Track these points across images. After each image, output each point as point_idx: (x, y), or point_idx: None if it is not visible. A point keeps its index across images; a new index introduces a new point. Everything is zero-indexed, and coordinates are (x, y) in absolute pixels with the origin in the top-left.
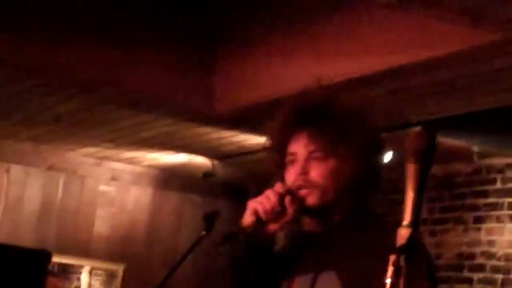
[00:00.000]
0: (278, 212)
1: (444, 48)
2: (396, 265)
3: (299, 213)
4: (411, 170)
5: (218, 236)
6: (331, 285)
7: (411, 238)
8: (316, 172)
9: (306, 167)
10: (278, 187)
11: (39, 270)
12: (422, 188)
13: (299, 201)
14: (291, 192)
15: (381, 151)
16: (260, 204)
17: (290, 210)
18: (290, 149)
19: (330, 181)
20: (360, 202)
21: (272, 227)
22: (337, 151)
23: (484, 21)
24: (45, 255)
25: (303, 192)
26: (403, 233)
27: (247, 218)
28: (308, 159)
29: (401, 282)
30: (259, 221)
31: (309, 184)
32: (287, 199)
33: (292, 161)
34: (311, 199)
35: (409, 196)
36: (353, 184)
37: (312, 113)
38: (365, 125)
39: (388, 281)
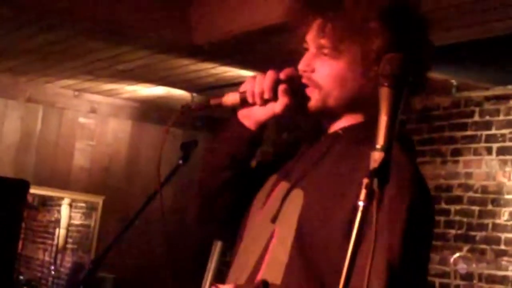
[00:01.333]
0: (267, 100)
1: None
2: (369, 188)
3: (294, 110)
4: (384, 93)
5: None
6: (294, 206)
7: (384, 162)
8: (321, 72)
9: (312, 64)
10: (273, 72)
11: (17, 200)
12: (396, 112)
13: (298, 95)
14: (290, 81)
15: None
16: (249, 84)
17: (282, 100)
18: (306, 36)
19: (336, 84)
20: (368, 117)
21: (258, 112)
22: (349, 51)
23: None
24: (23, 185)
25: (307, 90)
26: (376, 157)
27: (230, 96)
28: (317, 54)
29: (374, 205)
30: (243, 102)
31: (311, 83)
32: (282, 88)
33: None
34: (311, 101)
35: (382, 120)
36: (362, 95)
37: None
38: (389, 24)
39: (361, 204)
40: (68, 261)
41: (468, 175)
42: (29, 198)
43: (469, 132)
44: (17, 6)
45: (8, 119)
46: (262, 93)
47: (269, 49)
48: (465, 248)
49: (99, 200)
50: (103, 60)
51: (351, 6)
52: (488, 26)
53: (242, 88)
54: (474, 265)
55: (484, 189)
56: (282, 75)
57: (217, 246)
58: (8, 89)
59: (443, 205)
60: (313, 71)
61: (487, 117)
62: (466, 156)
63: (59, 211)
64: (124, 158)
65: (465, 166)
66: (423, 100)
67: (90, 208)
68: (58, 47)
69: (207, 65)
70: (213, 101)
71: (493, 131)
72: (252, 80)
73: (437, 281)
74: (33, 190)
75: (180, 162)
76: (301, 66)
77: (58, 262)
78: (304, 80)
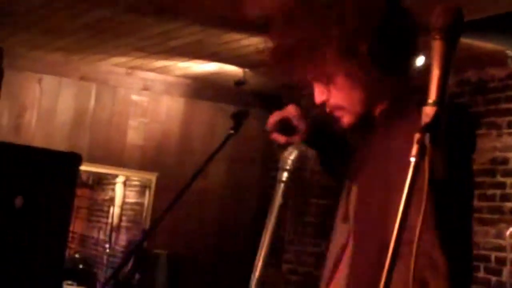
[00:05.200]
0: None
1: None
2: (421, 143)
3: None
4: (436, 47)
5: None
6: (353, 203)
7: (437, 116)
8: (337, 97)
9: (324, 95)
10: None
11: (70, 172)
12: (448, 66)
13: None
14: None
15: (389, 35)
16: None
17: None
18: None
19: (353, 98)
20: (392, 95)
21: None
22: (347, 71)
23: None
24: (76, 158)
25: (337, 114)
26: (428, 111)
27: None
28: (323, 85)
29: (426, 161)
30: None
31: (335, 109)
32: (273, 134)
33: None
34: (344, 121)
35: (435, 74)
36: (376, 90)
37: (295, 48)
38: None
39: (413, 159)
40: (122, 239)
41: None
42: (84, 177)
43: None
44: None
45: (62, 97)
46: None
47: None
48: None
49: (152, 178)
50: (155, 36)
51: (338, 35)
52: None
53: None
54: None
55: None
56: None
57: (271, 222)
58: (61, 67)
59: (499, 178)
60: (329, 99)
61: None
62: None
63: (113, 190)
64: (177, 136)
65: None
66: (478, 72)
67: (144, 186)
68: (109, 24)
69: (259, 40)
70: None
71: None
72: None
73: (493, 254)
74: (87, 168)
75: (231, 131)
76: (318, 100)
77: (113, 240)
78: (328, 110)
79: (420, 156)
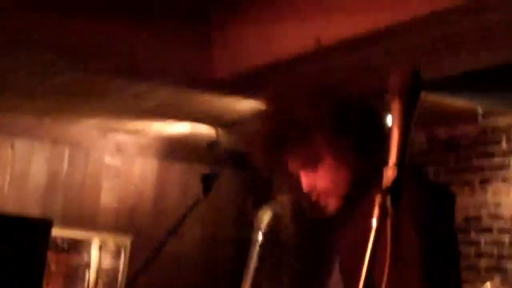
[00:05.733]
0: None
1: (441, 2)
2: (382, 206)
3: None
4: (395, 108)
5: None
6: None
7: (397, 179)
8: (321, 184)
9: (311, 184)
10: None
11: (41, 238)
12: (408, 127)
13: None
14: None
15: (368, 121)
16: None
17: None
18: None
19: (336, 181)
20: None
21: None
22: (329, 152)
23: None
24: (46, 224)
25: (321, 202)
26: (389, 174)
27: None
28: (307, 174)
29: (388, 224)
30: None
31: (321, 195)
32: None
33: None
34: (331, 205)
35: (394, 136)
36: (357, 171)
37: (280, 138)
38: (336, 126)
39: (374, 222)
40: None
41: (497, 205)
42: (59, 241)
43: (496, 160)
44: (39, 46)
45: (35, 160)
46: None
47: (292, 81)
48: (497, 279)
49: (127, 241)
50: (127, 98)
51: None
52: None
53: None
54: None
55: None
56: None
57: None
58: (34, 130)
59: (473, 236)
60: (315, 187)
61: None
62: (494, 185)
63: (88, 254)
64: (151, 197)
65: (494, 195)
66: (450, 130)
67: (119, 250)
68: (81, 87)
69: (231, 99)
70: None
71: None
72: None
73: None
74: (61, 232)
75: (201, 195)
76: (305, 189)
77: None
78: (314, 198)
79: (382, 218)
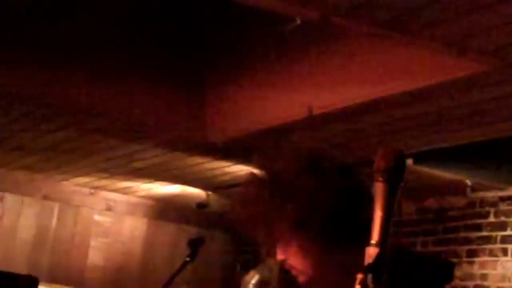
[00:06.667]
0: None
1: (430, 78)
2: (363, 284)
3: None
4: (379, 188)
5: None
6: None
7: (379, 258)
8: (292, 260)
9: (283, 256)
10: None
11: None
12: (391, 207)
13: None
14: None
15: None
16: None
17: None
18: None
19: (306, 263)
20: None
21: None
22: (293, 242)
23: (471, 51)
24: (32, 281)
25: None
26: (370, 252)
27: None
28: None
29: None
30: None
31: (292, 269)
32: None
33: None
34: (301, 280)
35: (377, 215)
36: (326, 257)
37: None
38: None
39: None
40: None
41: (484, 277)
42: None
43: (484, 233)
44: (33, 103)
45: (24, 216)
46: None
47: (284, 147)
48: None
49: None
50: (119, 157)
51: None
52: (501, 125)
53: None
54: None
55: None
56: None
57: None
58: (24, 186)
59: None
60: (287, 260)
61: (502, 218)
62: (481, 257)
63: None
64: (139, 257)
65: (481, 267)
66: (438, 201)
67: None
68: (74, 144)
69: (222, 163)
70: None
71: (508, 232)
72: None
73: None
74: None
75: (187, 259)
76: (279, 258)
77: None
78: (287, 267)
79: None
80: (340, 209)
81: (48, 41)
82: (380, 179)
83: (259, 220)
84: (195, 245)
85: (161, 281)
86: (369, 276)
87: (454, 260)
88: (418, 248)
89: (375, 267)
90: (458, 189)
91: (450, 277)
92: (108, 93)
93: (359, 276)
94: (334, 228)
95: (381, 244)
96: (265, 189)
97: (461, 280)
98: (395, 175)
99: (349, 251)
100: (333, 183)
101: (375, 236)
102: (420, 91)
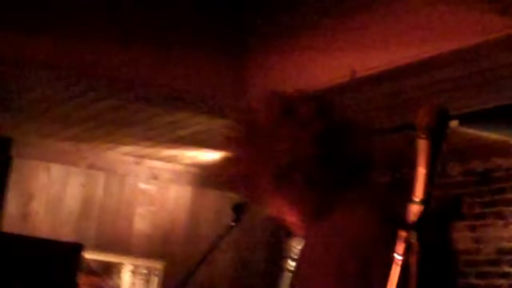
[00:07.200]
0: None
1: (474, 38)
2: (407, 241)
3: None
4: (422, 146)
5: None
6: None
7: (423, 215)
8: (280, 212)
9: (274, 209)
10: None
11: (71, 262)
12: (434, 165)
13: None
14: None
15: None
16: None
17: None
18: None
19: (293, 213)
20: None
21: None
22: (276, 194)
23: None
24: (77, 248)
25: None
26: (414, 210)
27: None
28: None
29: (413, 259)
30: None
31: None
32: None
33: None
34: (294, 229)
35: (421, 173)
36: (313, 204)
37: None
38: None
39: (399, 258)
40: None
41: None
42: (93, 265)
43: None
44: (79, 74)
45: (70, 186)
46: None
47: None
48: None
49: (159, 266)
50: (163, 126)
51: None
52: None
53: None
54: None
55: None
56: None
57: None
58: (69, 156)
59: (506, 268)
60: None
61: None
62: None
63: (120, 278)
64: (184, 224)
65: None
66: (483, 162)
67: (151, 274)
68: (118, 114)
69: None
70: None
71: None
72: None
73: None
74: (94, 256)
75: (232, 223)
76: (270, 212)
77: None
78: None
79: (407, 254)
80: (323, 152)
81: (91, 14)
82: (423, 136)
83: (241, 178)
84: (239, 210)
85: (206, 247)
86: (413, 234)
87: (500, 222)
88: (464, 210)
89: (418, 225)
90: (503, 150)
91: (458, 213)
92: (149, 62)
93: (403, 233)
94: (322, 173)
95: (425, 201)
96: (242, 146)
97: (508, 241)
98: (438, 132)
99: (350, 188)
100: (312, 127)
101: (418, 194)
102: (464, 51)
